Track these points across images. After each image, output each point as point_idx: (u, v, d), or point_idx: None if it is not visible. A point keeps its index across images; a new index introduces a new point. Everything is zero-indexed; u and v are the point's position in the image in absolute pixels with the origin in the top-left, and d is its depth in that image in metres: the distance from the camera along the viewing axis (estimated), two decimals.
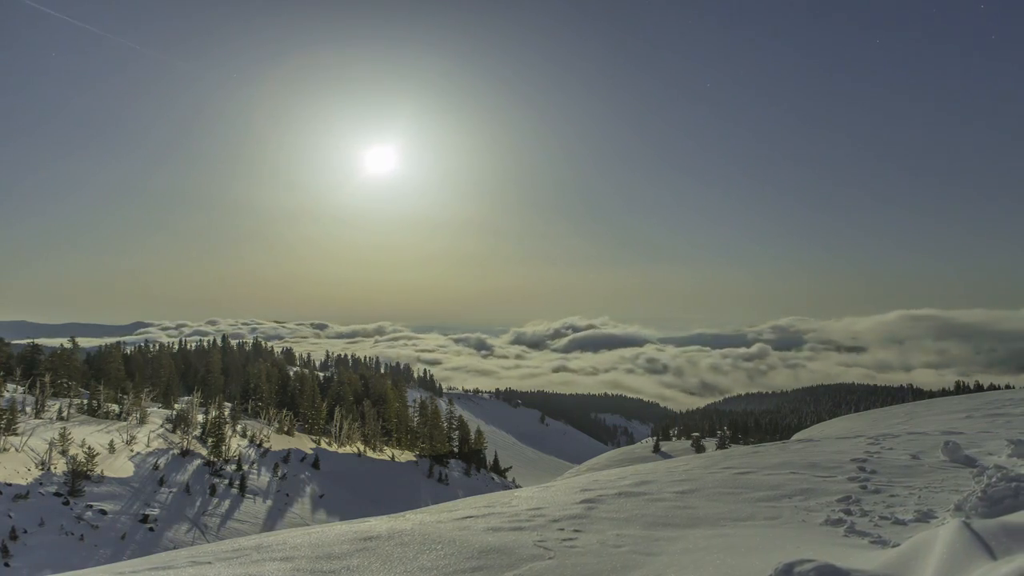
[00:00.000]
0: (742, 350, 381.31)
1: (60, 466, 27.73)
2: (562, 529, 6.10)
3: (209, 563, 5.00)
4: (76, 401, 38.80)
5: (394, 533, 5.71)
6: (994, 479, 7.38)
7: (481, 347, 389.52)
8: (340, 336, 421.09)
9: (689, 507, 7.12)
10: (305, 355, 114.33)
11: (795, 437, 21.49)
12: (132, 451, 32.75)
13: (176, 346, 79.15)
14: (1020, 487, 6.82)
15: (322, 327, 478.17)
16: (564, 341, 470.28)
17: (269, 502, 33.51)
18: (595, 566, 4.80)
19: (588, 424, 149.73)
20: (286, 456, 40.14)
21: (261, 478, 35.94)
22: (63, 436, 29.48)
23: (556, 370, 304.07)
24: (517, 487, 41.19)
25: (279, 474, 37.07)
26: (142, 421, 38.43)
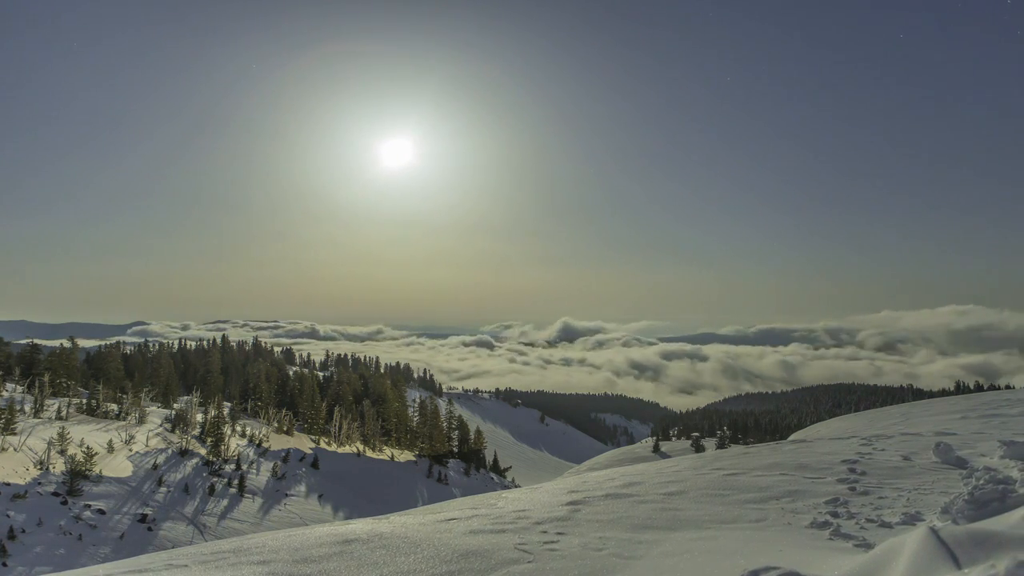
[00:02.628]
0: (744, 348, 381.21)
1: (59, 465, 27.75)
2: (545, 532, 6.07)
3: (186, 566, 4.98)
4: (75, 400, 38.84)
5: (374, 536, 5.68)
6: (982, 481, 7.33)
7: (485, 347, 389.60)
8: (344, 337, 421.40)
9: (675, 509, 7.08)
10: (304, 355, 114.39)
11: (791, 437, 21.44)
12: (131, 450, 32.77)
13: (176, 346, 79.24)
14: (1007, 490, 6.78)
15: (321, 327, 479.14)
16: (565, 340, 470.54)
17: (268, 501, 33.53)
18: (573, 570, 4.77)
19: (588, 424, 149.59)
20: (285, 456, 40.15)
21: (260, 477, 35.95)
22: (62, 436, 29.50)
23: (557, 369, 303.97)
24: (516, 487, 41.17)
25: (278, 474, 37.08)
26: (141, 421, 38.46)
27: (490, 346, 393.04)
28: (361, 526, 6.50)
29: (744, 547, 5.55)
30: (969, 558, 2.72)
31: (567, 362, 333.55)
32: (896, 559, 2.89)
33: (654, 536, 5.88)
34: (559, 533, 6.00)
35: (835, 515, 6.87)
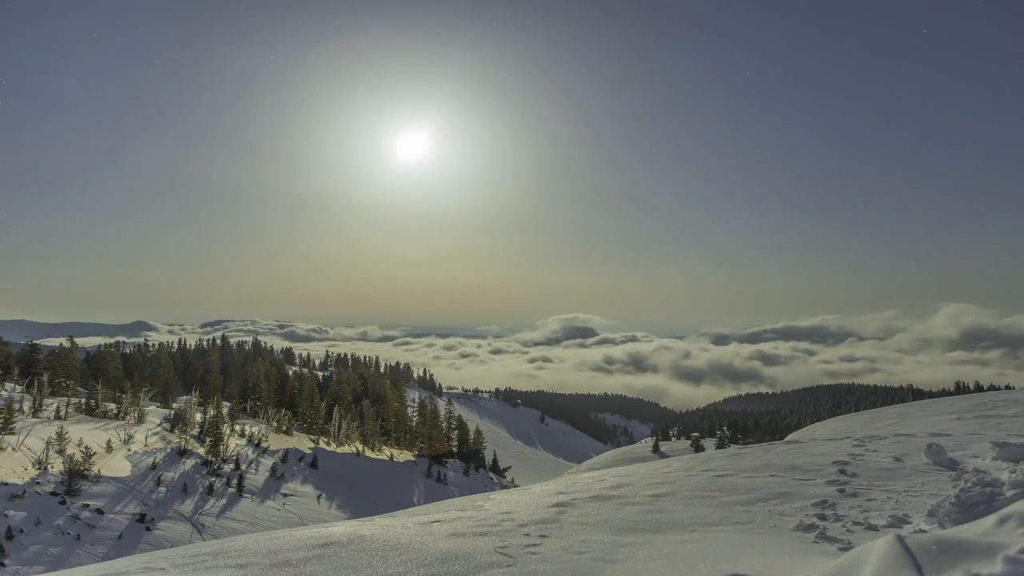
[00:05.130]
0: (746, 347, 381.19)
1: (57, 465, 27.77)
2: (528, 534, 6.03)
3: (163, 569, 4.96)
4: (74, 400, 38.88)
5: (354, 539, 5.65)
6: (970, 484, 7.28)
7: (486, 346, 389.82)
8: (349, 340, 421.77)
9: (661, 511, 7.05)
10: (304, 355, 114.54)
11: (787, 438, 21.40)
12: (129, 450, 32.80)
13: (175, 346, 79.35)
14: (995, 492, 6.73)
15: (323, 330, 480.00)
16: (567, 340, 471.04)
17: (266, 501, 33.55)
18: (552, 574, 4.74)
19: (588, 424, 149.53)
20: (284, 455, 40.17)
21: (259, 477, 35.97)
22: (60, 435, 29.53)
23: (557, 368, 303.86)
24: (515, 487, 41.14)
25: (277, 473, 37.11)
26: (140, 420, 38.50)
27: (490, 345, 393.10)
28: (343, 528, 6.48)
29: (728, 551, 5.51)
30: (933, 567, 2.69)
31: (568, 361, 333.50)
32: (861, 567, 2.86)
33: (638, 539, 5.85)
34: (542, 536, 5.96)
35: (822, 517, 6.83)
